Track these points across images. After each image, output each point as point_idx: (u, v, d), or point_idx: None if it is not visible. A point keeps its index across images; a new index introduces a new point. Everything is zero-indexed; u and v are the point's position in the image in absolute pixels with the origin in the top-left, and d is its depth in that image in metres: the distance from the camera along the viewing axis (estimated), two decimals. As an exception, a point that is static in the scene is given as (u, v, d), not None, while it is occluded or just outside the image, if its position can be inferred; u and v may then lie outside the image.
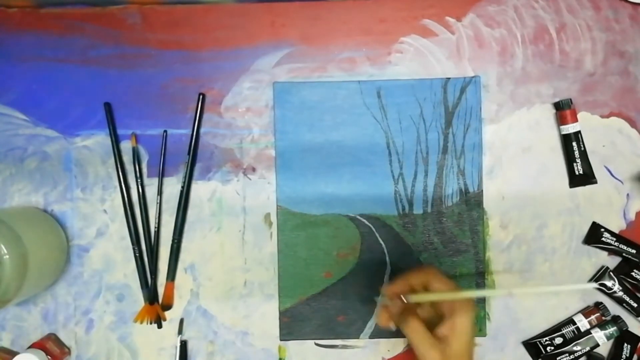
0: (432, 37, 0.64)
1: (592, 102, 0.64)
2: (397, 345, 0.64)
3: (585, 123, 0.63)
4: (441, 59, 0.64)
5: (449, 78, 0.63)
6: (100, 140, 0.64)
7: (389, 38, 0.64)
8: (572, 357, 0.63)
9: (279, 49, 0.64)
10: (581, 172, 0.63)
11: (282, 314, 0.64)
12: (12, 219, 0.57)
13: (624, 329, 0.62)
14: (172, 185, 0.64)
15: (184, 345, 0.64)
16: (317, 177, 0.64)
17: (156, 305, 0.64)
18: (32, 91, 0.64)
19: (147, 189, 0.64)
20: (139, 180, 0.64)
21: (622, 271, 0.63)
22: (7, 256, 0.53)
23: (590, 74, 0.64)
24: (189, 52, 0.64)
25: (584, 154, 0.62)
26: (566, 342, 0.62)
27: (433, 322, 0.51)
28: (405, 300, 0.53)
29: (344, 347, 0.64)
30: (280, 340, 0.64)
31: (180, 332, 0.64)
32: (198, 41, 0.64)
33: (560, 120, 0.63)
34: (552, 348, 0.62)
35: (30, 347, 0.62)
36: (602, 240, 0.63)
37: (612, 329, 0.62)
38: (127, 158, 0.64)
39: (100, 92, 0.64)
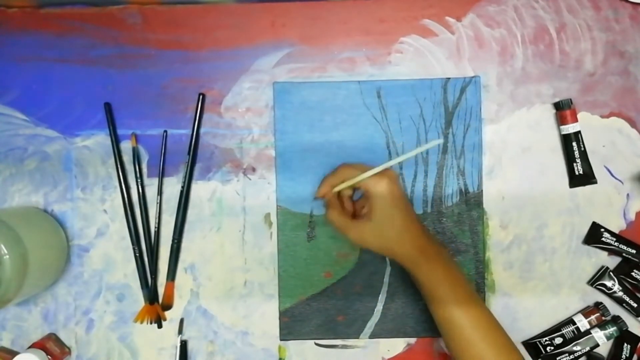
0: (432, 37, 0.64)
1: (592, 102, 0.64)
2: (397, 345, 0.64)
3: (585, 123, 0.63)
4: (441, 59, 0.64)
5: (449, 78, 0.63)
6: (100, 140, 0.64)
7: (388, 38, 0.64)
8: (572, 357, 0.63)
9: (279, 49, 0.64)
10: (581, 172, 0.63)
11: (282, 313, 0.64)
12: (13, 219, 0.57)
13: (624, 329, 0.62)
14: (172, 185, 0.64)
15: (184, 345, 0.64)
16: (317, 177, 0.63)
17: (156, 305, 0.64)
18: (32, 91, 0.64)
19: (147, 189, 0.64)
20: (139, 180, 0.64)
21: (622, 271, 0.63)
22: (7, 256, 0.53)
23: (590, 74, 0.64)
24: (189, 52, 0.64)
25: (584, 154, 0.62)
26: (566, 342, 0.62)
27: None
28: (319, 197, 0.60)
29: (344, 347, 0.64)
30: (280, 340, 0.64)
31: (180, 332, 0.64)
32: (198, 41, 0.64)
33: (560, 120, 0.63)
34: (552, 348, 0.63)
35: (30, 347, 0.62)
36: (602, 240, 0.63)
37: (612, 329, 0.62)
38: (127, 158, 0.64)
39: (100, 92, 0.64)
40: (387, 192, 0.55)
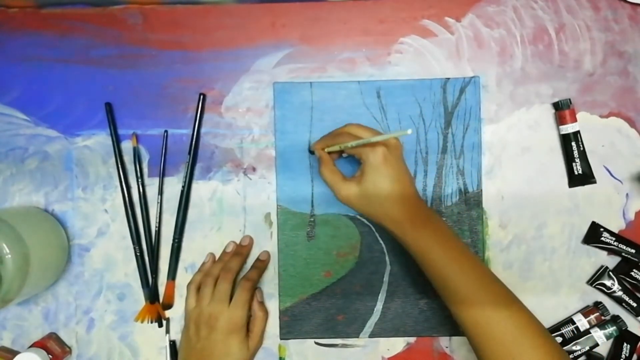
0: (431, 38, 0.64)
1: (591, 102, 0.64)
2: (396, 345, 0.64)
3: (585, 123, 0.63)
4: (441, 59, 0.64)
5: (449, 78, 0.64)
6: (101, 140, 0.64)
7: (388, 38, 0.64)
8: (571, 356, 0.63)
9: (279, 49, 0.64)
10: (580, 172, 0.63)
11: (282, 313, 0.64)
12: (14, 218, 0.57)
13: (624, 328, 0.62)
14: (173, 185, 0.64)
15: (173, 344, 0.64)
16: (317, 177, 0.64)
17: (157, 305, 0.64)
18: (33, 91, 0.64)
19: (147, 189, 0.64)
20: (139, 180, 0.64)
21: (621, 271, 0.63)
22: (9, 255, 0.53)
23: (589, 74, 0.64)
24: (189, 53, 0.64)
25: (583, 154, 0.63)
26: (565, 341, 0.63)
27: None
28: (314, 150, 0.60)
29: (344, 346, 0.64)
30: (281, 339, 0.64)
31: (167, 331, 0.64)
32: (199, 41, 0.64)
33: (560, 120, 0.63)
34: (552, 347, 0.63)
35: (31, 346, 0.62)
36: (602, 240, 0.63)
37: (611, 329, 0.62)
38: (128, 158, 0.64)
39: (101, 92, 0.64)
40: (380, 162, 0.54)
